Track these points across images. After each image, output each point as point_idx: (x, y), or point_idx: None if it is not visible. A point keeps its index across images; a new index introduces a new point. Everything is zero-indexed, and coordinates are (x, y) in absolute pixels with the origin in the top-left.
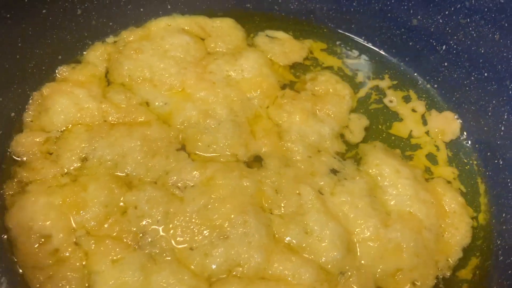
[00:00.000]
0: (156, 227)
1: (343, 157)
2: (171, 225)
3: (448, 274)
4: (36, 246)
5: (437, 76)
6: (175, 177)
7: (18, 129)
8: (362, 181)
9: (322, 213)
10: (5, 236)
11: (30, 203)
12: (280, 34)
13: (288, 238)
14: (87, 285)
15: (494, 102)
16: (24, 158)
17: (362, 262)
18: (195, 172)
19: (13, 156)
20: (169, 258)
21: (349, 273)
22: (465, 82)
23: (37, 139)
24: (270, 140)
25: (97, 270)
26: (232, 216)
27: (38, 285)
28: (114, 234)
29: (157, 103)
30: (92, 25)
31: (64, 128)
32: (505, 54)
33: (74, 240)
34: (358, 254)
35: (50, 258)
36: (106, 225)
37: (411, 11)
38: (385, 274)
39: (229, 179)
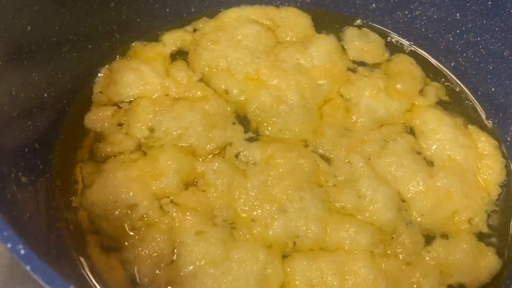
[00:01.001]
0: (222, 197)
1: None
2: (235, 196)
3: (495, 208)
4: (124, 217)
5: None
6: (239, 151)
7: (89, 101)
8: (404, 141)
9: (372, 178)
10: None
11: (110, 179)
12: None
13: (342, 204)
14: (175, 251)
15: (500, 115)
16: (103, 132)
17: (422, 214)
18: (258, 151)
19: (89, 129)
20: (246, 234)
21: (401, 231)
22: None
23: (109, 112)
24: (337, 113)
25: (183, 241)
26: (289, 192)
27: (130, 245)
28: (192, 205)
29: (235, 91)
30: (166, 12)
31: (131, 99)
32: None
33: (159, 205)
34: (412, 209)
35: (139, 224)
36: (184, 193)
37: (422, 30)
38: (444, 219)
39: (287, 159)
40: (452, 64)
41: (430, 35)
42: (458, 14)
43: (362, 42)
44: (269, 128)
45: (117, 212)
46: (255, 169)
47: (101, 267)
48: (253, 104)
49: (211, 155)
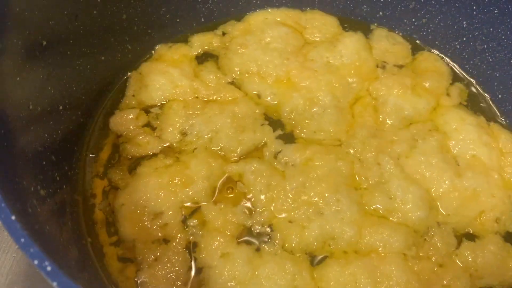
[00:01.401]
0: (260, 196)
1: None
2: (274, 196)
3: None
4: (149, 221)
5: None
6: (277, 152)
7: (118, 104)
8: (433, 139)
9: (401, 178)
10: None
11: (142, 184)
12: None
13: (375, 206)
14: (193, 272)
15: (508, 121)
16: (129, 134)
17: (448, 214)
18: (297, 153)
19: (116, 133)
20: (272, 249)
21: (432, 232)
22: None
23: (132, 115)
24: (367, 113)
25: (209, 264)
26: (327, 195)
27: (147, 266)
28: (218, 222)
29: (267, 95)
30: (176, 22)
31: (163, 103)
32: None
33: (182, 219)
34: (440, 209)
35: (160, 231)
36: (212, 201)
37: (430, 37)
38: (471, 219)
39: (325, 161)
40: (459, 71)
41: (437, 42)
42: (465, 22)
43: (388, 43)
44: (304, 130)
45: (145, 215)
46: (294, 171)
47: (118, 278)
48: (286, 107)
49: (244, 157)
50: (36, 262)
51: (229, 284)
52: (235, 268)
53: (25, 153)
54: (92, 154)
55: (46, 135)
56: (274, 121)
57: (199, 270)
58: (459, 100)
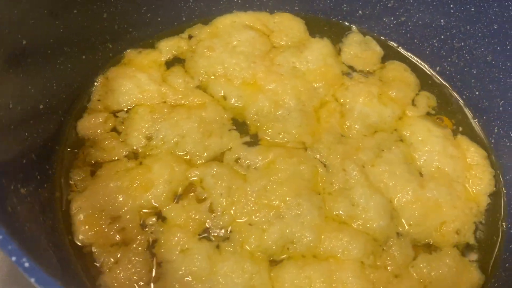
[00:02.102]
0: (220, 200)
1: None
2: (234, 199)
3: (483, 219)
4: (106, 225)
5: None
6: (239, 156)
7: (85, 109)
8: (398, 150)
9: (365, 186)
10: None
11: (101, 187)
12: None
13: (337, 212)
14: (154, 269)
15: (484, 118)
16: (96, 138)
17: (410, 224)
18: (259, 155)
19: (82, 136)
20: (231, 248)
21: (391, 242)
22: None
23: (100, 119)
24: (333, 118)
25: (167, 259)
26: (288, 198)
27: (108, 269)
28: (180, 219)
29: (232, 97)
30: (158, 21)
31: (129, 108)
32: (496, 75)
33: (141, 222)
34: (402, 219)
35: (117, 236)
36: (173, 203)
37: (408, 35)
38: (432, 229)
39: (288, 164)
40: (438, 68)
41: (416, 40)
42: (442, 20)
43: (360, 49)
44: (269, 131)
45: (102, 220)
46: (256, 174)
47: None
48: (251, 109)
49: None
50: (14, 258)
51: (185, 279)
52: (193, 264)
53: (5, 152)
54: (70, 154)
55: (26, 134)
56: (239, 123)
57: (158, 265)
58: (425, 110)
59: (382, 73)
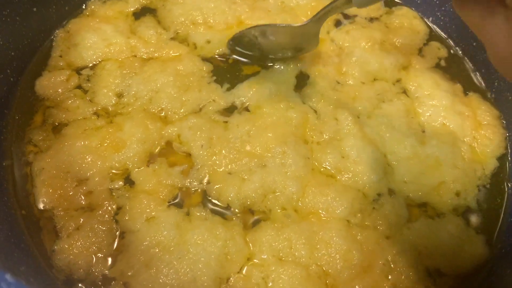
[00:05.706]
0: (200, 152)
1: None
2: (216, 150)
3: (488, 183)
4: (71, 188)
5: None
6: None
7: (45, 66)
8: (400, 103)
9: (358, 138)
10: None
11: (67, 146)
12: None
13: (324, 164)
14: (116, 241)
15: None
16: (57, 98)
17: (404, 180)
18: (248, 92)
19: (42, 96)
20: (203, 213)
21: (383, 200)
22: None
23: (62, 77)
24: (329, 59)
25: (131, 229)
26: (272, 146)
27: (66, 235)
28: (149, 184)
29: (216, 45)
30: None
31: (95, 63)
32: None
33: (110, 187)
34: (396, 175)
35: (83, 200)
36: (144, 167)
37: None
38: (429, 188)
39: (275, 109)
40: (430, 18)
41: None
42: None
43: None
44: None
45: (67, 182)
46: (240, 119)
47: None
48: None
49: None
50: None
51: (151, 251)
52: (160, 233)
53: None
54: (24, 117)
55: None
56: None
57: (121, 236)
58: (434, 61)
59: (388, 19)
